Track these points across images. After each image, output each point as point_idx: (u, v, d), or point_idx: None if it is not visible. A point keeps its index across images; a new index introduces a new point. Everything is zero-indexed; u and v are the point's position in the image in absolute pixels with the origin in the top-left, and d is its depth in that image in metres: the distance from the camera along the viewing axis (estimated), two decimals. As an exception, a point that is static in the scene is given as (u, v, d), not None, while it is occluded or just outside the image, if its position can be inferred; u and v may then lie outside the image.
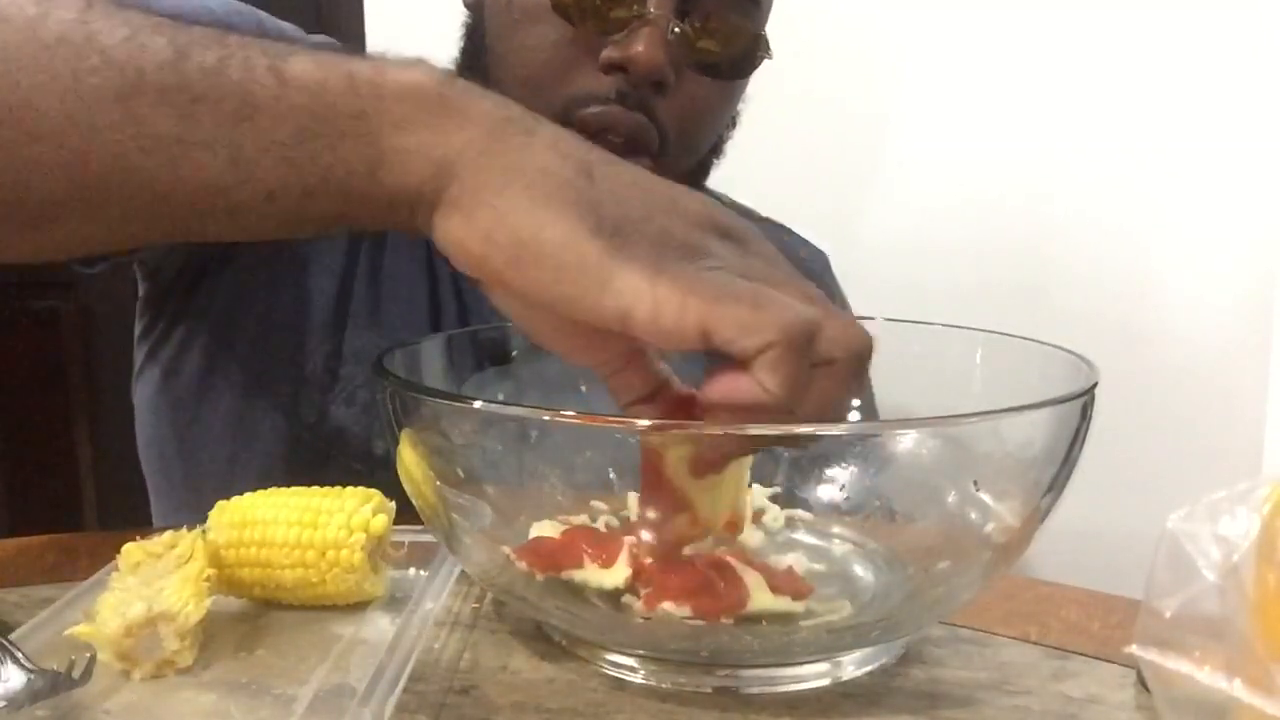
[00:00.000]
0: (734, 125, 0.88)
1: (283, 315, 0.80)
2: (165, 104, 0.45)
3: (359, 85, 0.46)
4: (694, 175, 0.86)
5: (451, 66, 0.81)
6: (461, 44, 0.84)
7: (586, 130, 0.69)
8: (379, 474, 0.55)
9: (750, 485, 0.60)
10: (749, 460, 0.50)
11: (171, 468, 0.86)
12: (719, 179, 0.91)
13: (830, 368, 0.42)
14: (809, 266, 0.97)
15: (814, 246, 1.01)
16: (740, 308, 0.41)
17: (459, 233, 0.44)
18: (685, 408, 0.48)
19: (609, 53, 0.73)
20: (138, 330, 0.88)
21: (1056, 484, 0.48)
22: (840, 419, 0.45)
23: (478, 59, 0.80)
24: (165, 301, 0.84)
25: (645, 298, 0.41)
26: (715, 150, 0.87)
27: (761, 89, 0.85)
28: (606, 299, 0.41)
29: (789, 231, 0.99)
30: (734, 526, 0.51)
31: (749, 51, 0.80)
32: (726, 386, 0.41)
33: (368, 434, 0.57)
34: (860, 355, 0.44)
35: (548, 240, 0.42)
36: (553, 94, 0.73)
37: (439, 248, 0.45)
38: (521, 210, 0.42)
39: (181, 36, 0.46)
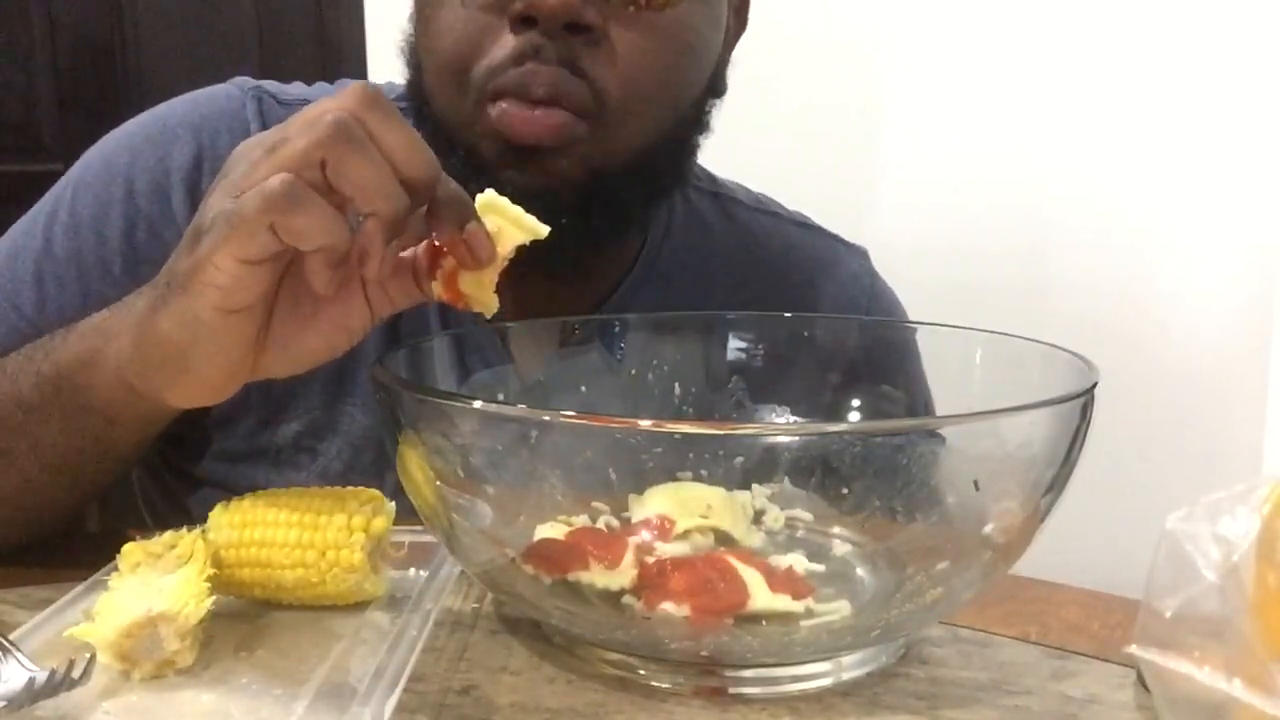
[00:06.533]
0: (718, 93, 0.76)
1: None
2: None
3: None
4: (672, 151, 0.74)
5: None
6: (406, 57, 0.75)
7: (503, 96, 0.64)
8: None
9: (751, 487, 0.60)
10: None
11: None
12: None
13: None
14: (845, 269, 0.88)
15: (852, 245, 0.91)
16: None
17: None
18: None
19: (515, 5, 0.64)
20: None
21: (1056, 484, 0.48)
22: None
23: (417, 66, 0.72)
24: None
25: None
26: (697, 123, 0.75)
27: (762, 88, 0.82)
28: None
29: (823, 232, 0.90)
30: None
31: None
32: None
33: None
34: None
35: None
36: (473, 71, 0.66)
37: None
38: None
39: None
